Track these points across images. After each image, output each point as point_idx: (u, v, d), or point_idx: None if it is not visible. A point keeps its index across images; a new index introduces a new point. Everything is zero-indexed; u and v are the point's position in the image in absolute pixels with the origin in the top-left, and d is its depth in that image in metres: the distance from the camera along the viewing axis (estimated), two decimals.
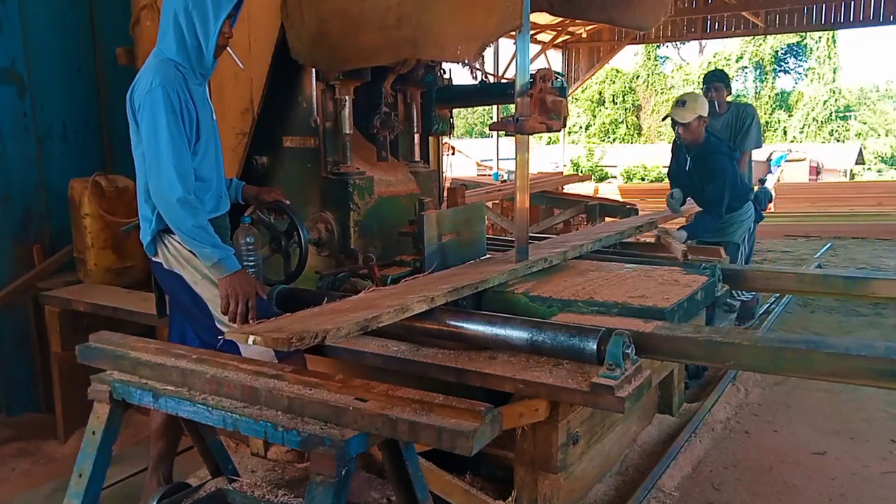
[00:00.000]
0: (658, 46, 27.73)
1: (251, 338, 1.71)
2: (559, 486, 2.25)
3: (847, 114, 29.30)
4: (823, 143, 26.68)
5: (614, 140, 28.40)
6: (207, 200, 2.29)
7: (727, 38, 15.66)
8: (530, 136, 2.77)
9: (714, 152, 4.24)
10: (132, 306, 3.08)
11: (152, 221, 2.23)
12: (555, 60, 13.94)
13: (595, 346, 1.93)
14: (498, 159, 14.32)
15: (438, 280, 2.53)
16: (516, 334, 2.10)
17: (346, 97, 3.03)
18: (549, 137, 22.81)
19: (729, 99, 5.35)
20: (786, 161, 19.32)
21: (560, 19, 11.19)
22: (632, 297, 2.43)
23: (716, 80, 5.32)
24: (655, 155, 21.20)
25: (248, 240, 2.52)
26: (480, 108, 22.86)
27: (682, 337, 2.05)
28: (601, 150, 24.48)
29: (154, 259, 2.31)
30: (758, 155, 8.20)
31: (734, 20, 12.44)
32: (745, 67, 28.97)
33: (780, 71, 29.63)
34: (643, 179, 19.21)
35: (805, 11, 11.71)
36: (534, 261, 2.83)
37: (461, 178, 10.73)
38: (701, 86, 5.53)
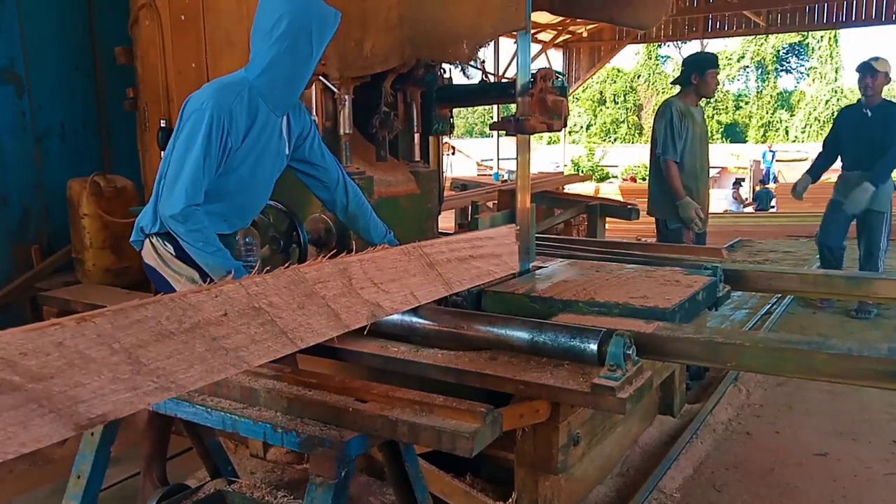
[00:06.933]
0: (659, 46, 27.70)
1: None
2: (560, 488, 2.24)
3: None
4: None
5: (615, 140, 28.38)
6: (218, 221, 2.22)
7: (729, 37, 15.67)
8: (531, 136, 2.76)
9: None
10: None
11: (145, 225, 2.21)
12: (555, 60, 13.95)
13: (596, 347, 1.92)
14: (498, 159, 14.33)
15: None
16: (517, 335, 2.08)
17: (346, 96, 3.02)
18: (550, 137, 22.81)
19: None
20: (777, 160, 19.30)
21: (561, 18, 11.18)
22: (633, 297, 2.42)
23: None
24: None
25: (247, 240, 2.51)
26: (481, 108, 22.85)
27: (684, 338, 2.04)
28: (602, 149, 24.45)
29: (141, 253, 2.29)
30: (757, 155, 8.24)
31: (736, 19, 12.43)
32: (747, 67, 28.95)
33: (781, 70, 29.62)
34: (644, 179, 19.19)
35: (807, 11, 11.70)
36: None
37: (461, 177, 10.69)
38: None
